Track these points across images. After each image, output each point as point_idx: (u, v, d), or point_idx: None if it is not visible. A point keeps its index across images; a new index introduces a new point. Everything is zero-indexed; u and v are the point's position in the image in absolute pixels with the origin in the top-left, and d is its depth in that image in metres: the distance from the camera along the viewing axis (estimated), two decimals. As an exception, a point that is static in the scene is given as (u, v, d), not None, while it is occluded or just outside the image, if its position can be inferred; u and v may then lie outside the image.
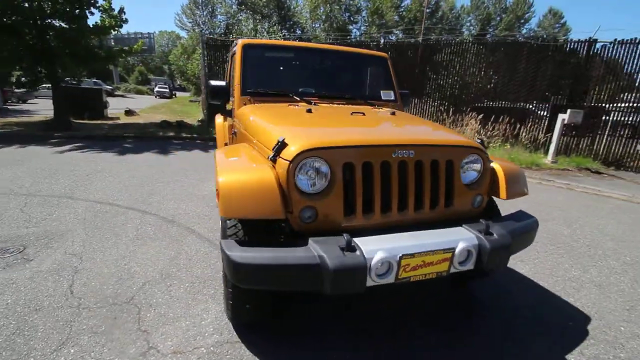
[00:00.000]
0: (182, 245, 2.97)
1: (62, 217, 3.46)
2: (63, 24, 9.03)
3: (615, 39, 7.07)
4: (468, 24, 44.86)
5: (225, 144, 3.69)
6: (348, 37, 40.32)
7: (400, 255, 1.51)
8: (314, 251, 1.46)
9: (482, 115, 8.17)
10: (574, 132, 7.73)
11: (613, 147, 7.50)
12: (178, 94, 43.49)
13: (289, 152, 1.58)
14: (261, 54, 2.82)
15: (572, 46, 7.63)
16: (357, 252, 1.46)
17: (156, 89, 36.85)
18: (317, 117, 2.23)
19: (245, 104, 2.62)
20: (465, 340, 1.95)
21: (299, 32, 39.75)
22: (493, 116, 7.96)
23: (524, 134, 8.08)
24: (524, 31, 42.43)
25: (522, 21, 42.32)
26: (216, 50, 10.40)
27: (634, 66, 7.11)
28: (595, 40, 7.28)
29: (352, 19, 43.22)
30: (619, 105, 7.60)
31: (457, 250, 1.62)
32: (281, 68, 2.96)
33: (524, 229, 1.88)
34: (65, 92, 10.47)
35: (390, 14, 42.73)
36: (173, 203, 4.02)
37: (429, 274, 1.61)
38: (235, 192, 1.50)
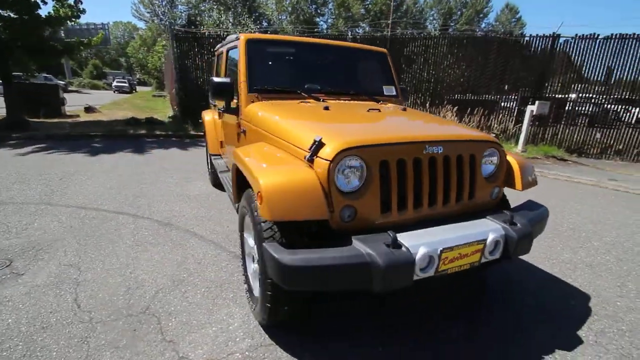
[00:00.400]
0: (186, 249, 2.85)
1: (45, 226, 3.20)
2: (12, 14, 8.22)
3: (576, 35, 7.60)
4: (431, 18, 46.15)
5: (221, 143, 3.58)
6: (315, 30, 40.14)
7: (441, 249, 1.56)
8: (361, 250, 1.47)
9: (457, 107, 8.50)
10: (538, 123, 8.25)
11: (574, 136, 8.11)
12: (138, 88, 41.25)
13: (328, 152, 1.56)
14: (264, 50, 2.74)
15: (537, 42, 8.09)
16: (403, 248, 1.49)
17: (114, 83, 34.65)
18: (338, 115, 2.22)
19: (252, 102, 2.55)
20: (483, 330, 2.06)
21: (265, 24, 38.96)
22: (469, 109, 8.32)
23: (495, 125, 8.51)
24: (482, 25, 44.38)
25: (481, 15, 44.20)
26: (186, 43, 9.93)
27: (592, 60, 7.69)
28: (559, 36, 7.78)
29: (319, 11, 43.01)
30: (580, 96, 8.21)
31: (488, 241, 1.69)
32: (284, 64, 2.90)
33: (539, 218, 2.00)
34: (19, 88, 9.58)
35: (357, 6, 42.92)
36: (164, 205, 3.84)
37: (463, 265, 1.67)
38: (280, 194, 1.46)
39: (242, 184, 2.18)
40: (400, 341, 1.90)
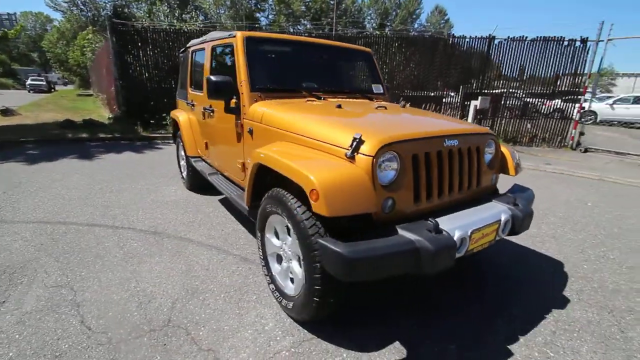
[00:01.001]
0: (187, 256, 2.72)
1: (9, 246, 2.80)
2: None
3: (509, 37, 8.56)
4: (369, 17, 47.98)
5: (206, 144, 3.44)
6: (256, 25, 39.34)
7: (471, 230, 1.74)
8: (409, 237, 1.58)
9: (409, 103, 9.04)
10: (480, 116, 9.15)
11: (509, 127, 9.15)
12: (58, 87, 36.79)
13: (369, 148, 1.65)
14: (262, 48, 2.71)
15: (476, 42, 8.94)
16: (444, 233, 1.64)
17: (28, 82, 30.47)
18: (355, 113, 2.30)
19: (256, 101, 2.52)
20: (485, 307, 2.32)
21: (202, 17, 37.17)
22: (423, 105, 8.91)
23: (443, 118, 9.25)
24: (415, 26, 47.34)
25: (414, 16, 47.13)
26: (127, 37, 9.12)
27: (521, 59, 8.74)
28: (494, 37, 8.69)
29: (259, 6, 42.21)
30: (506, 91, 9.28)
31: (502, 221, 1.92)
32: (282, 62, 2.89)
33: (530, 198, 2.31)
34: None
35: (297, 3, 42.94)
36: (143, 213, 3.58)
37: (484, 243, 1.88)
38: (335, 190, 1.51)
39: (260, 185, 2.17)
40: (420, 317, 2.07)
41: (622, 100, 13.95)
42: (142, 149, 7.14)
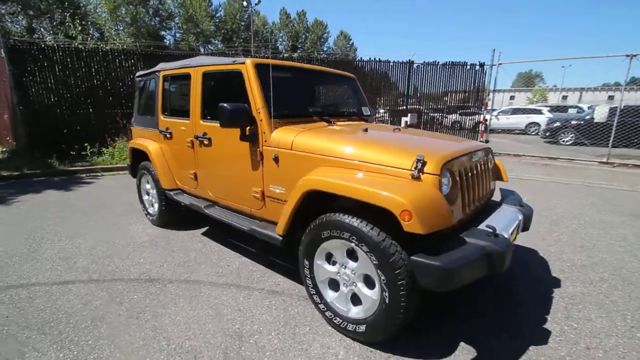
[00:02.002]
0: (207, 300, 2.47)
1: (-41, 327, 2.16)
2: None
3: (424, 62, 9.86)
4: (280, 39, 49.45)
5: (195, 175, 3.20)
6: (163, 43, 37.07)
7: (510, 231, 2.02)
8: (480, 243, 1.77)
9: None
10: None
11: (432, 138, 10.45)
12: None
13: (434, 167, 1.82)
14: (270, 74, 2.68)
15: (398, 66, 10.06)
16: (500, 237, 1.88)
17: None
18: (386, 136, 2.45)
19: (276, 128, 2.48)
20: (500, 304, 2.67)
21: (97, 35, 33.56)
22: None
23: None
24: (325, 48, 50.49)
25: (322, 40, 50.28)
26: (27, 56, 7.76)
27: (431, 80, 10.13)
28: (413, 62, 9.91)
29: (164, 24, 39.96)
30: (417, 107, 10.67)
31: (520, 221, 2.27)
32: (288, 88, 2.89)
33: (521, 199, 2.75)
34: None
35: (207, 23, 41.99)
36: (120, 260, 3.11)
37: (512, 241, 2.19)
38: (424, 209, 1.63)
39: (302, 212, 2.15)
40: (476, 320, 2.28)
41: (504, 112, 17.08)
42: (66, 185, 6.10)
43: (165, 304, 2.42)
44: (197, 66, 3.02)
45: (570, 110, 16.55)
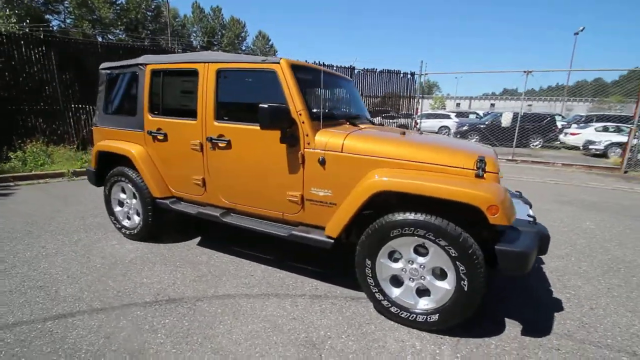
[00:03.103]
0: (252, 313, 2.31)
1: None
2: None
3: (364, 68, 10.51)
4: (194, 34, 46.44)
5: (203, 180, 2.94)
6: (49, 29, 31.46)
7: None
8: (531, 230, 2.09)
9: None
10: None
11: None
12: None
13: (492, 167, 2.08)
14: (303, 76, 2.62)
15: (342, 71, 10.50)
16: (539, 223, 2.23)
17: None
18: (426, 138, 2.62)
19: (318, 130, 2.46)
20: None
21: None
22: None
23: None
24: (243, 47, 49.18)
25: (241, 39, 48.88)
26: None
27: (370, 85, 10.87)
28: (354, 68, 10.46)
29: (51, 7, 33.90)
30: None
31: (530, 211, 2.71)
32: (316, 91, 2.86)
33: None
34: None
35: (105, 10, 37.01)
36: (117, 283, 2.66)
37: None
38: (505, 203, 1.85)
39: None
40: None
41: (419, 117, 19.18)
42: (18, 198, 4.83)
43: (210, 324, 2.19)
44: (209, 62, 2.77)
45: (471, 116, 19.44)
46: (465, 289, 1.97)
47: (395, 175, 2.11)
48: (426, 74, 11.06)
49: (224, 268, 2.94)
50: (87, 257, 3.09)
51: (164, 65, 3.03)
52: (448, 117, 18.71)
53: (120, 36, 38.45)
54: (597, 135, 12.72)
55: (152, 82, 3.10)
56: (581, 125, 14.78)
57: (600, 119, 14.80)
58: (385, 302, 2.23)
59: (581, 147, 12.83)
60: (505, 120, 9.92)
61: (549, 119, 14.07)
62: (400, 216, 2.06)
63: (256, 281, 2.74)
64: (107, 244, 3.40)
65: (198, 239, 3.56)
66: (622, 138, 12.00)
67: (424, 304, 2.15)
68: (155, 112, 3.11)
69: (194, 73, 2.85)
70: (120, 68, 3.36)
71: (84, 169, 6.73)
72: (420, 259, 2.11)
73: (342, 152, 2.35)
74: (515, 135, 9.87)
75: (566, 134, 14.19)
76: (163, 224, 3.46)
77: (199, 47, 43.81)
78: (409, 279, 2.17)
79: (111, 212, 3.59)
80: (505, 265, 1.88)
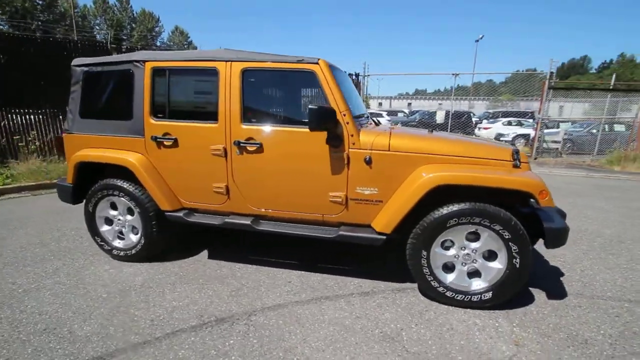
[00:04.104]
0: (317, 317, 2.26)
1: None
2: None
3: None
4: (98, 27, 41.11)
5: (226, 188, 2.75)
6: None
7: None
8: (554, 210, 2.45)
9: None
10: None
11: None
12: None
13: (525, 158, 2.39)
14: (336, 76, 2.61)
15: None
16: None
17: None
18: (460, 136, 2.83)
19: (359, 129, 2.51)
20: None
21: None
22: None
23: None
24: (158, 43, 45.25)
25: (155, 34, 44.87)
26: None
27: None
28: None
29: None
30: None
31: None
32: (345, 90, 2.86)
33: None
34: None
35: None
36: (148, 312, 2.34)
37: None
38: (547, 188, 2.15)
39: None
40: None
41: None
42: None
43: (280, 337, 2.08)
44: (232, 61, 2.58)
45: (400, 114, 21.09)
46: (518, 266, 2.23)
47: (450, 169, 2.28)
48: (368, 75, 11.71)
49: (255, 278, 2.79)
50: (84, 288, 2.62)
51: (170, 62, 2.72)
52: (381, 115, 20.01)
53: (2, 27, 32.04)
54: (505, 129, 15.00)
55: (154, 81, 2.75)
56: (490, 120, 17.24)
57: (504, 115, 17.46)
58: (440, 289, 2.40)
59: (493, 139, 14.99)
60: (440, 117, 11.07)
61: (466, 115, 16.06)
62: (456, 207, 2.24)
63: (297, 287, 2.67)
64: (98, 269, 2.92)
65: (204, 252, 3.28)
66: (524, 130, 14.37)
67: (476, 284, 2.37)
68: (160, 115, 2.78)
69: (212, 72, 2.63)
70: (105, 65, 2.91)
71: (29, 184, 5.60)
72: (473, 244, 2.32)
73: (389, 150, 2.43)
74: (448, 129, 11.08)
75: (480, 128, 16.38)
76: (166, 239, 3.11)
77: (105, 41, 38.91)
78: (462, 264, 2.37)
79: (96, 233, 3.08)
80: (552, 240, 2.19)
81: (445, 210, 2.26)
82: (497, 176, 2.20)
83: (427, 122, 13.65)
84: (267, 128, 2.58)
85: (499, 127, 15.37)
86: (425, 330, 2.16)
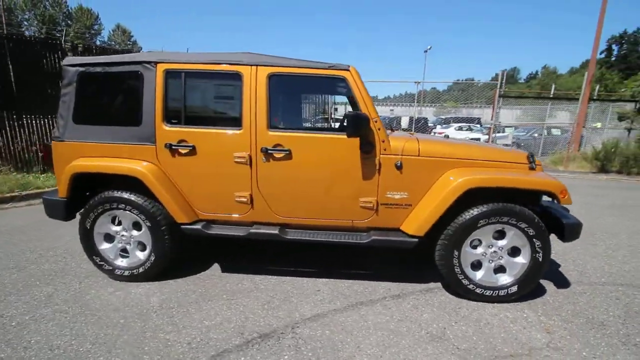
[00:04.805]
0: (361, 323, 2.25)
1: None
2: None
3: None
4: (26, 22, 36.84)
5: (250, 197, 2.66)
6: None
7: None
8: (562, 208, 2.71)
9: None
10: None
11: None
12: None
13: (537, 161, 2.62)
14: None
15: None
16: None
17: None
18: (474, 142, 2.97)
19: (388, 136, 2.56)
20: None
21: None
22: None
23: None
24: (98, 42, 41.74)
25: (94, 32, 41.34)
26: None
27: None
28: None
29: None
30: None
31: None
32: None
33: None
34: None
35: None
36: (176, 334, 2.15)
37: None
38: (562, 187, 2.38)
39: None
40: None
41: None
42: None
43: (333, 347, 2.04)
44: (257, 65, 2.49)
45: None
46: (540, 260, 2.43)
47: (477, 173, 2.42)
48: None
49: (282, 289, 2.70)
50: (93, 315, 2.33)
51: (186, 65, 2.55)
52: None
53: None
54: (457, 133, 16.13)
55: (167, 84, 2.56)
56: (444, 125, 18.46)
57: (455, 120, 18.81)
58: (470, 286, 2.52)
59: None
60: (404, 122, 11.64)
61: (423, 121, 17.04)
62: (485, 207, 2.38)
63: (328, 295, 2.63)
64: (101, 292, 2.62)
65: (215, 266, 3.10)
66: (475, 135, 15.57)
67: (503, 279, 2.53)
68: (174, 121, 2.59)
69: (235, 76, 2.52)
70: (105, 65, 2.63)
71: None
72: (500, 242, 2.48)
73: (419, 155, 2.51)
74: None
75: (434, 133, 17.47)
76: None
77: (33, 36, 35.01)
78: (489, 261, 2.52)
79: (94, 252, 2.76)
80: (570, 234, 2.42)
81: (476, 210, 2.39)
82: (524, 178, 2.39)
83: (386, 126, 14.22)
84: (297, 134, 2.53)
85: (452, 131, 16.49)
86: (466, 327, 2.26)
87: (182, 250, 2.86)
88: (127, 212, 2.65)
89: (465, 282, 2.52)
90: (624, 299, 2.63)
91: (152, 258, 2.70)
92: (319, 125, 10.89)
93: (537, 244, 2.41)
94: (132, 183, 2.62)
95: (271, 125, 2.54)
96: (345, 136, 2.44)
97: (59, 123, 2.72)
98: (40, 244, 3.58)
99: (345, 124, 2.41)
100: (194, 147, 2.58)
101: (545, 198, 2.60)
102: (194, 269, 3.00)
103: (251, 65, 2.51)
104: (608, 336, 2.18)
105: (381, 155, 2.51)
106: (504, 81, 11.10)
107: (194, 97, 2.66)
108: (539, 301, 2.59)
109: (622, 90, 19.56)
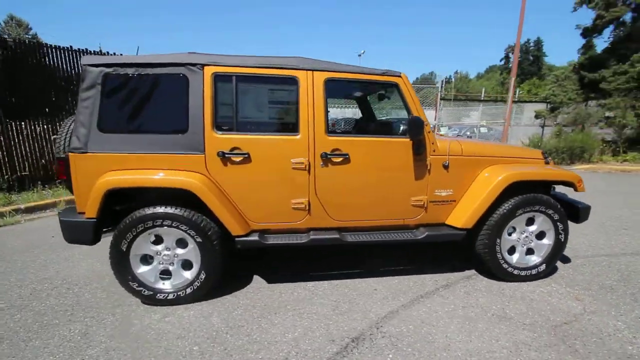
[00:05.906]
0: (437, 322, 2.39)
1: None
2: None
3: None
4: None
5: (309, 203, 2.65)
6: None
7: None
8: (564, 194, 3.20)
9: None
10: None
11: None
12: None
13: (549, 156, 3.06)
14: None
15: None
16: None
17: None
18: (494, 142, 3.26)
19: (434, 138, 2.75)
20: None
21: None
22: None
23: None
24: (-16, 35, 35.03)
25: (-23, 23, 34.55)
26: None
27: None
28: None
29: None
30: None
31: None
32: None
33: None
34: None
35: None
36: (275, 348, 2.05)
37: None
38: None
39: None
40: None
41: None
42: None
43: (425, 339, 2.14)
44: (314, 70, 2.47)
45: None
46: (562, 240, 2.85)
47: (514, 168, 2.74)
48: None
49: (340, 293, 2.71)
50: (158, 347, 2.08)
51: (238, 69, 2.40)
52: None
53: None
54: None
55: (217, 88, 2.39)
56: (386, 126, 19.57)
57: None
58: (509, 269, 2.83)
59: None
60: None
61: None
62: (519, 199, 2.71)
63: (387, 293, 2.72)
64: (148, 322, 2.33)
65: (256, 278, 2.96)
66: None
67: (533, 259, 2.90)
68: (226, 128, 2.43)
69: (290, 81, 2.46)
70: (140, 66, 2.35)
71: None
72: (530, 228, 2.84)
73: (462, 155, 2.75)
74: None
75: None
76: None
77: None
78: (521, 245, 2.87)
79: (130, 276, 2.43)
80: (584, 215, 2.88)
81: (512, 201, 2.71)
82: (552, 171, 2.79)
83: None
84: (355, 138, 2.58)
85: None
86: (519, 305, 2.55)
87: (227, 266, 2.68)
88: (174, 228, 2.40)
89: (505, 265, 2.83)
90: (616, 267, 3.21)
91: (203, 276, 2.49)
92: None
93: (560, 226, 2.82)
94: (168, 196, 2.39)
95: (328, 130, 2.54)
96: (401, 139, 2.58)
97: (79, 132, 2.34)
98: (25, 275, 3.01)
99: (407, 127, 2.54)
100: (248, 155, 2.45)
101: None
102: (235, 284, 2.83)
103: (307, 70, 2.48)
104: (621, 296, 2.66)
105: (431, 156, 2.69)
106: (443, 85, 12.35)
107: (246, 102, 2.52)
108: (558, 275, 3.02)
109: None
